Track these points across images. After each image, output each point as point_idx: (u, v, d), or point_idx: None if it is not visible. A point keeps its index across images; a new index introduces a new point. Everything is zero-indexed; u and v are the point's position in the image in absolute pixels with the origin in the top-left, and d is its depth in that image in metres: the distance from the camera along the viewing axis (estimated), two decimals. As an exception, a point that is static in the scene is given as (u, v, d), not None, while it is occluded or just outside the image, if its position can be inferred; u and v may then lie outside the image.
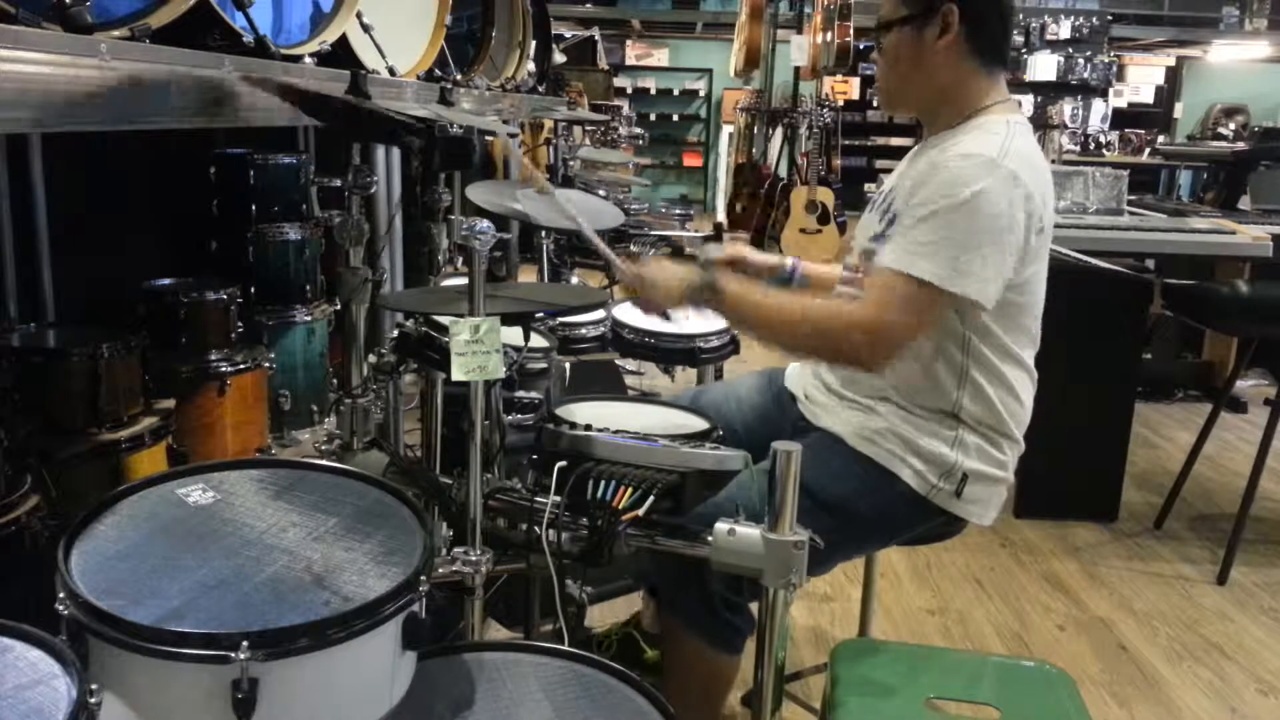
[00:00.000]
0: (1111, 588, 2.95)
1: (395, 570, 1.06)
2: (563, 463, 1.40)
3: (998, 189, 1.54)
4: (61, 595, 0.97)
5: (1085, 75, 9.86)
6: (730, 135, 11.49)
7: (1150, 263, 3.59)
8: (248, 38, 1.61)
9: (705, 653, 1.61)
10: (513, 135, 3.97)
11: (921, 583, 2.93)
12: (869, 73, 11.67)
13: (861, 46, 8.87)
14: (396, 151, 3.02)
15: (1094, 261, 3.01)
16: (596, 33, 10.51)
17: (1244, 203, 4.33)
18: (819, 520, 1.55)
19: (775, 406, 1.89)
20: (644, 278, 1.67)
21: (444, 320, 1.42)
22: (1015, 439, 1.71)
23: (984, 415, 1.67)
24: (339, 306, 2.47)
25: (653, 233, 3.90)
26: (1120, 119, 10.53)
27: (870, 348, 1.54)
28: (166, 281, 2.57)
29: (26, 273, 2.38)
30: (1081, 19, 9.90)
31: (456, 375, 1.29)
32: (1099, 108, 9.96)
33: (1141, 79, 11.68)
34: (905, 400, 1.66)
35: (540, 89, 4.39)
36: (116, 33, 1.29)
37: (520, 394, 1.85)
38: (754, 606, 1.53)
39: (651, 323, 2.49)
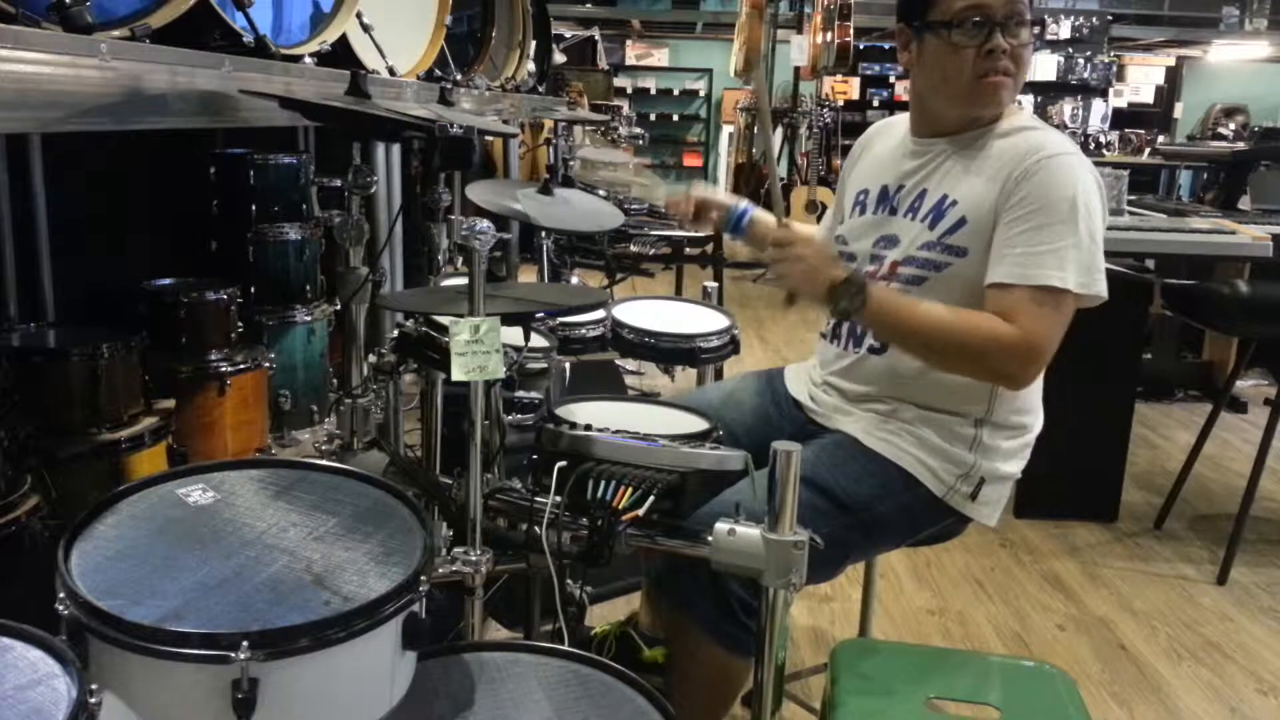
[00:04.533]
0: (1111, 588, 2.95)
1: (395, 570, 1.06)
2: (563, 463, 1.40)
3: (1092, 183, 1.57)
4: (61, 595, 0.97)
5: (1085, 75, 9.86)
6: (730, 135, 11.50)
7: (1150, 263, 3.59)
8: (248, 38, 1.61)
9: (718, 656, 1.59)
10: (512, 134, 3.98)
11: (921, 583, 2.93)
12: (869, 73, 11.68)
13: (861, 46, 8.88)
14: (396, 151, 3.02)
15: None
16: (596, 33, 10.52)
17: (1244, 203, 4.33)
18: (836, 521, 1.56)
19: (774, 408, 1.89)
20: (796, 251, 1.58)
21: (444, 320, 1.42)
22: (1031, 438, 1.73)
23: (1013, 417, 1.68)
24: (339, 306, 2.47)
25: (653, 233, 3.90)
26: (1120, 119, 10.53)
27: (1024, 367, 1.54)
28: (166, 281, 2.57)
29: (26, 273, 2.38)
30: (1081, 19, 9.90)
31: (456, 375, 1.29)
32: (1099, 108, 9.97)
33: (1141, 79, 11.68)
34: (929, 403, 1.66)
35: (540, 89, 4.39)
36: (116, 33, 1.29)
37: (520, 394, 1.85)
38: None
39: (651, 322, 2.49)
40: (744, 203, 2.03)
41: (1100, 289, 1.56)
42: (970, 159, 1.67)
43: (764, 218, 2.03)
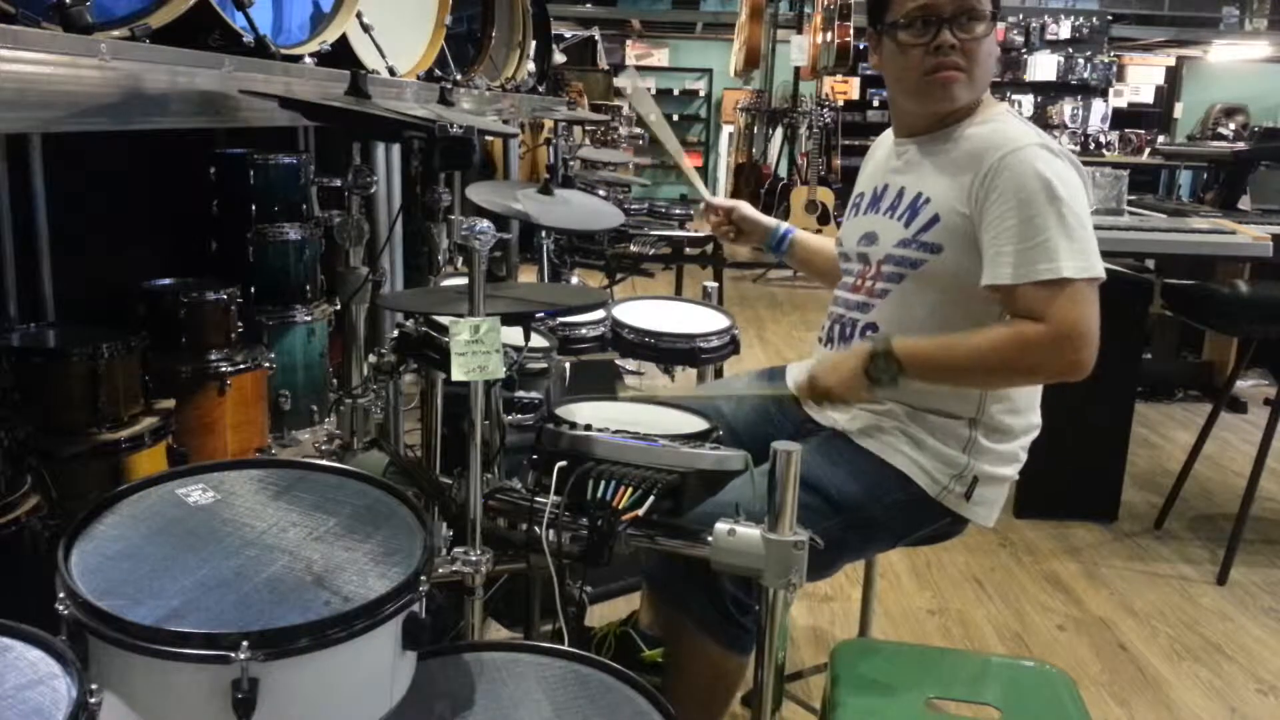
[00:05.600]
0: (1111, 588, 2.95)
1: (395, 570, 1.06)
2: (563, 463, 1.40)
3: (1063, 168, 1.57)
4: (61, 595, 0.97)
5: (1085, 75, 9.87)
6: (730, 135, 11.51)
7: (1150, 263, 3.59)
8: (248, 38, 1.61)
9: (715, 654, 1.60)
10: (512, 135, 3.98)
11: (921, 583, 2.93)
12: (869, 73, 11.68)
13: (861, 46, 8.87)
14: (396, 151, 3.02)
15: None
16: (596, 33, 10.53)
17: (1244, 203, 4.33)
18: (829, 520, 1.56)
19: (774, 405, 1.89)
20: (818, 383, 1.63)
21: (444, 320, 1.42)
22: (1035, 430, 1.73)
23: (1005, 419, 1.68)
24: (339, 306, 2.47)
25: (653, 233, 3.90)
26: (1120, 119, 10.54)
27: (1073, 355, 1.52)
28: (166, 281, 2.57)
29: (26, 273, 2.38)
30: (1081, 19, 9.91)
31: (456, 375, 1.29)
32: (1099, 108, 9.98)
33: (1141, 79, 11.69)
34: (920, 404, 1.66)
35: (540, 89, 4.39)
36: (116, 33, 1.29)
37: (520, 394, 1.85)
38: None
39: (651, 322, 2.49)
40: (784, 225, 2.11)
41: (1097, 270, 1.55)
42: (941, 155, 1.69)
43: (805, 239, 2.11)
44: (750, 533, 1.29)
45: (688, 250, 3.97)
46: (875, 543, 1.78)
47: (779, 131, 9.74)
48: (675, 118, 13.62)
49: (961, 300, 1.62)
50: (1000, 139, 1.60)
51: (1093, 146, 9.54)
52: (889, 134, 1.87)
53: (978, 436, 1.66)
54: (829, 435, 1.73)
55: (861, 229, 1.79)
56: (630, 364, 4.38)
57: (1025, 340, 1.53)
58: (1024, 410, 1.70)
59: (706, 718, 1.69)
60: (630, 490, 1.36)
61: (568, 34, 10.33)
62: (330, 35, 2.03)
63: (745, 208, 2.10)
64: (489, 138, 4.53)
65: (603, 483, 1.38)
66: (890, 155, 1.81)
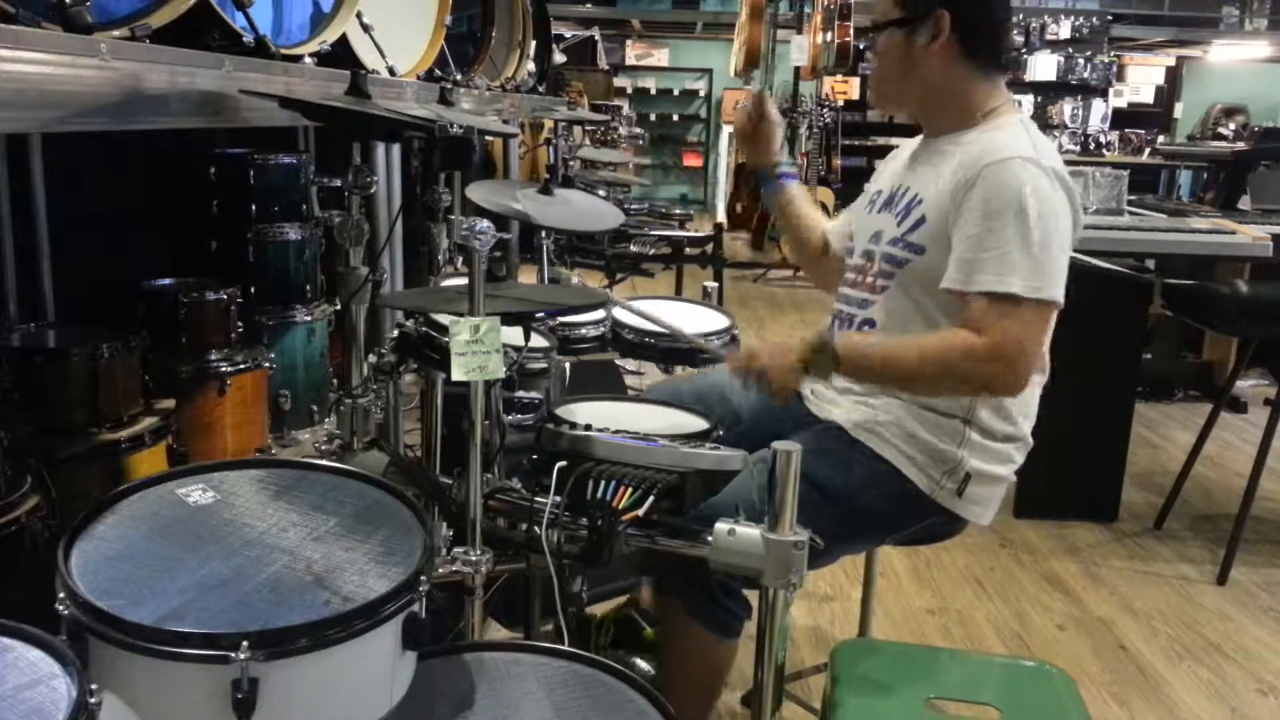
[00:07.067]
0: (1111, 588, 2.95)
1: (395, 570, 1.06)
2: (563, 463, 1.40)
3: (1046, 186, 1.57)
4: (61, 595, 0.97)
5: (1085, 75, 9.87)
6: (730, 135, 11.49)
7: (1150, 263, 3.59)
8: (248, 38, 1.61)
9: (704, 639, 1.63)
10: (512, 135, 3.98)
11: (921, 583, 2.93)
12: (869, 72, 11.69)
13: (862, 46, 8.87)
14: (396, 151, 3.02)
15: (1094, 261, 3.01)
16: (596, 33, 10.52)
17: (1244, 203, 4.33)
18: (822, 511, 1.56)
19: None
20: (756, 361, 1.64)
21: (444, 320, 1.42)
22: (1024, 441, 1.73)
23: (997, 419, 1.68)
24: (339, 306, 2.47)
25: (653, 233, 3.90)
26: (1120, 119, 10.53)
27: (1006, 374, 1.54)
28: (166, 281, 2.57)
29: (26, 273, 2.38)
30: (1081, 19, 9.91)
31: (456, 375, 1.29)
32: (1099, 108, 9.97)
33: (1141, 79, 11.68)
34: (918, 400, 1.67)
35: (540, 89, 4.39)
36: (116, 33, 1.29)
37: (520, 394, 1.85)
38: (750, 594, 1.55)
39: (651, 323, 2.49)
40: (790, 167, 2.07)
41: (1053, 294, 1.54)
42: (942, 160, 1.70)
43: (799, 197, 2.06)
44: (750, 533, 1.29)
45: (688, 250, 3.97)
46: (868, 535, 1.78)
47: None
48: (675, 118, 13.62)
49: (942, 302, 1.64)
50: (992, 148, 1.61)
51: (1093, 146, 9.54)
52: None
53: (971, 434, 1.66)
54: (824, 428, 1.74)
55: (873, 226, 1.81)
56: (630, 364, 4.38)
57: (962, 349, 1.54)
58: (1014, 413, 1.70)
59: (699, 702, 1.72)
60: (630, 490, 1.36)
61: (568, 34, 10.32)
62: (330, 35, 2.03)
63: (774, 121, 2.01)
64: (489, 138, 4.53)
65: (602, 483, 1.38)
66: (911, 157, 1.83)
